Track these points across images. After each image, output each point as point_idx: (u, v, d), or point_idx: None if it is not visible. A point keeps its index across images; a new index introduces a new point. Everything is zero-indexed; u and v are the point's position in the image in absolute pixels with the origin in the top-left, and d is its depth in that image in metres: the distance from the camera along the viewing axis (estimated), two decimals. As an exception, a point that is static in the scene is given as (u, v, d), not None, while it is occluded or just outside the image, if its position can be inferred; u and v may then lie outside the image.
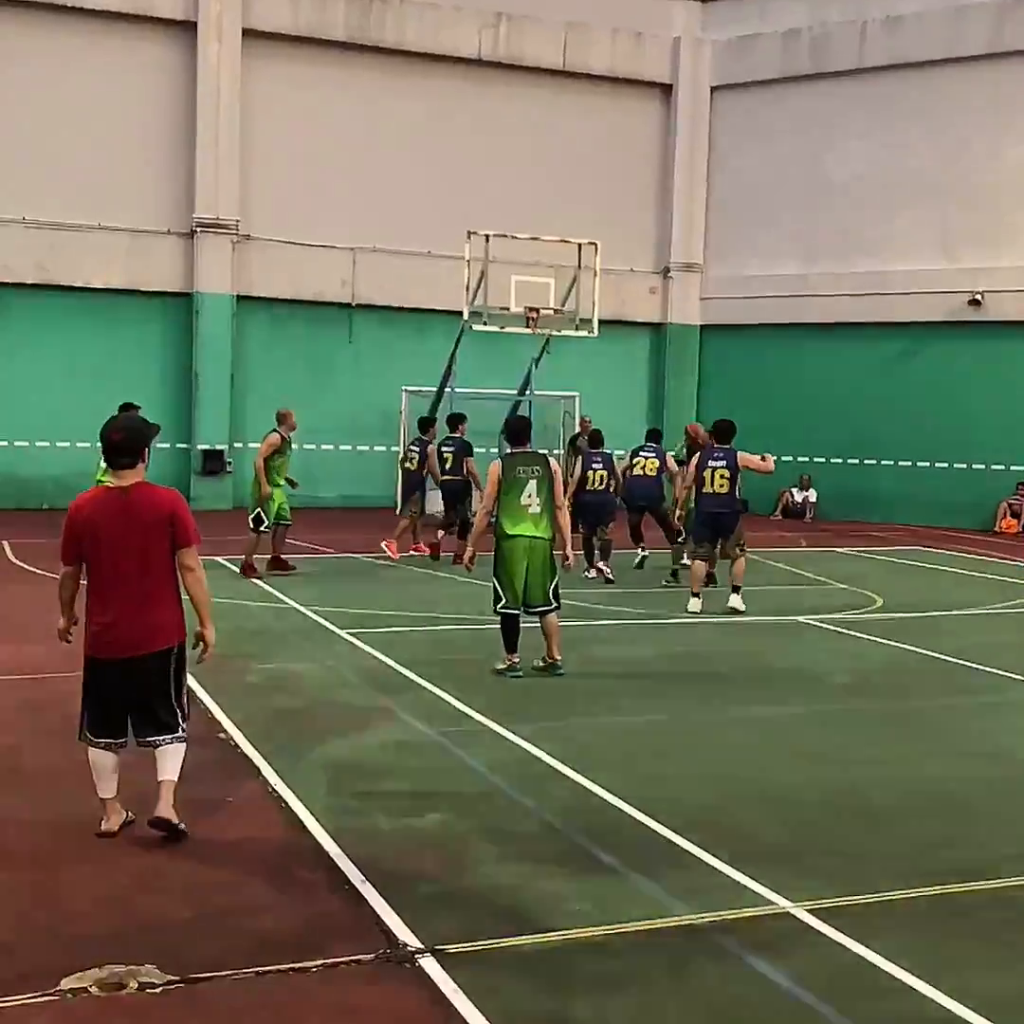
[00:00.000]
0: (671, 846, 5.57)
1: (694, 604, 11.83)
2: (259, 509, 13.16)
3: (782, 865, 5.35)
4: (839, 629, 11.29)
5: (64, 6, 20.12)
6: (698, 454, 12.38)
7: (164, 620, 5.41)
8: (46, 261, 20.32)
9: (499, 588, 8.86)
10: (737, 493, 11.97)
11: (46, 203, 20.20)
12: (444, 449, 15.49)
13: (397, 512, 20.42)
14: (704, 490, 11.96)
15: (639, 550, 14.99)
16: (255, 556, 13.33)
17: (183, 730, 5.51)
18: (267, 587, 12.66)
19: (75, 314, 20.73)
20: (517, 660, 8.92)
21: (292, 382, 21.50)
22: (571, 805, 6.10)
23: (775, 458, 12.84)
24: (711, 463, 11.95)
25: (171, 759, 5.47)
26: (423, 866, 5.24)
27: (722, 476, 11.83)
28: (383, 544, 15.48)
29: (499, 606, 8.90)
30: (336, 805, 5.97)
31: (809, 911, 4.86)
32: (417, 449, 15.68)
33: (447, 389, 19.64)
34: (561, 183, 22.84)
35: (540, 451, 9.32)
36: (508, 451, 9.20)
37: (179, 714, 5.50)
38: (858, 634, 11.06)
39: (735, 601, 11.87)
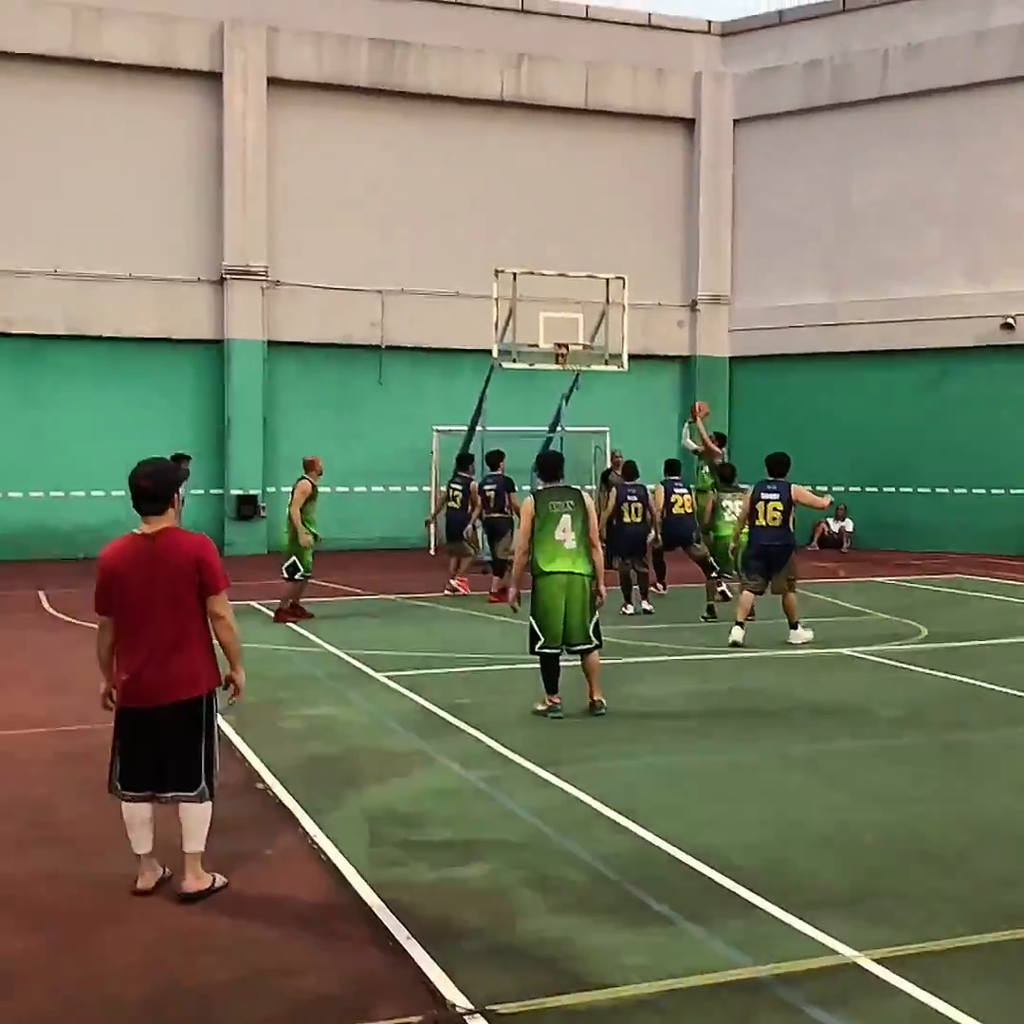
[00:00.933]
0: (727, 893, 5.35)
1: (737, 633, 11.63)
2: (293, 558, 13.05)
3: (844, 912, 5.12)
4: (885, 661, 11.03)
5: (90, 60, 20.38)
6: (751, 488, 12.21)
7: (192, 668, 5.28)
8: (76, 312, 20.47)
9: (536, 628, 8.66)
10: (791, 527, 11.84)
11: (75, 254, 20.37)
12: (486, 487, 15.53)
13: (435, 551, 20.37)
14: (757, 523, 11.86)
15: (659, 588, 14.95)
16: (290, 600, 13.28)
17: (207, 789, 5.31)
18: (301, 631, 12.54)
19: (107, 364, 20.85)
20: (558, 701, 8.73)
21: (324, 425, 21.53)
22: (620, 851, 5.89)
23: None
24: (764, 496, 11.86)
25: (194, 826, 5.30)
26: (470, 919, 5.05)
27: (775, 509, 11.74)
28: (454, 583, 15.46)
29: (537, 646, 8.70)
30: (377, 856, 5.79)
31: (876, 960, 4.63)
32: (460, 487, 15.70)
33: (478, 428, 19.56)
34: (587, 220, 22.84)
35: (573, 486, 9.16)
36: (541, 486, 9.05)
37: (205, 770, 5.30)
38: (905, 665, 10.80)
39: (795, 636, 11.76)
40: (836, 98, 23.14)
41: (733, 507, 13.49)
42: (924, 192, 22.20)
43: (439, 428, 21.30)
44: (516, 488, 15.73)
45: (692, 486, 15.56)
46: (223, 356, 21.38)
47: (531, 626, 8.71)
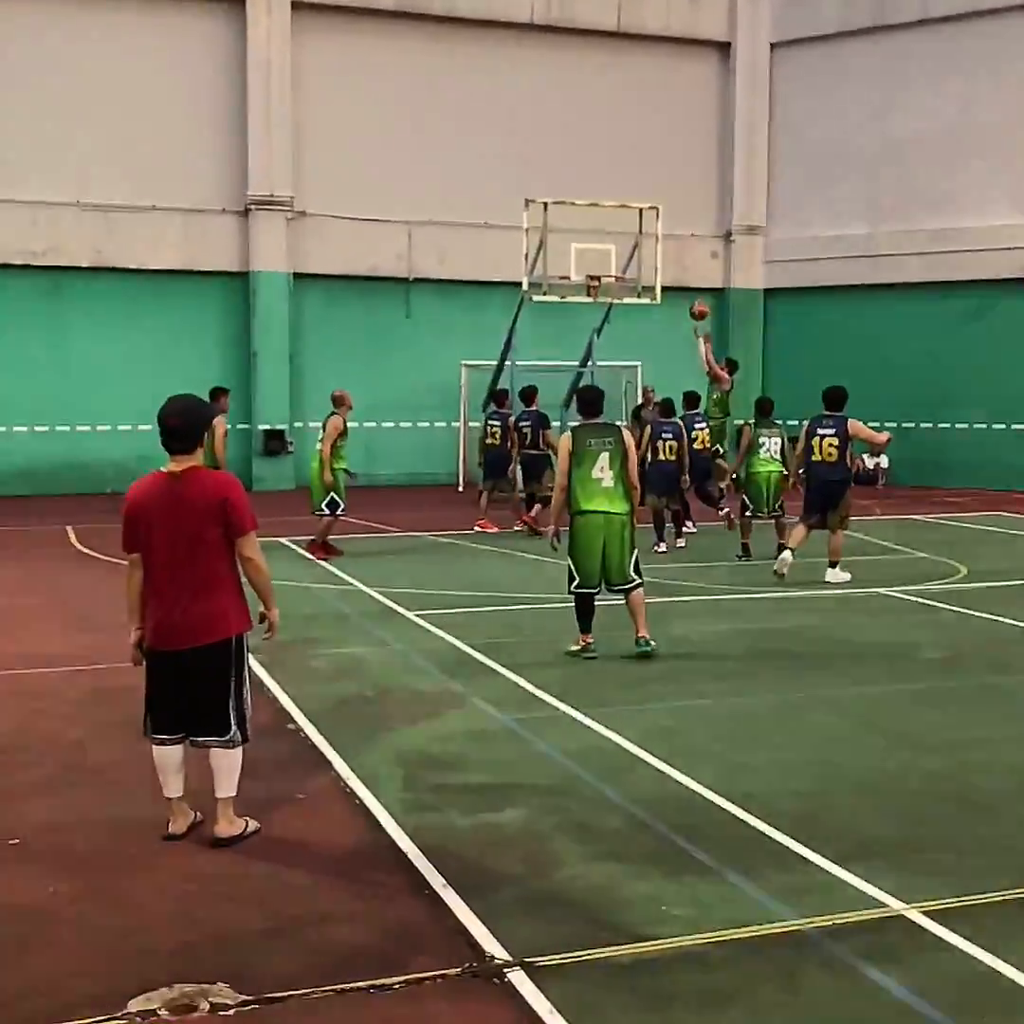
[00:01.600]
0: (768, 841, 5.22)
1: (786, 556, 11.53)
2: (332, 493, 12.92)
3: (890, 862, 4.98)
4: (924, 600, 10.83)
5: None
6: (807, 422, 11.96)
7: (219, 610, 5.13)
8: (101, 244, 20.23)
9: (573, 567, 8.52)
10: (848, 463, 11.66)
11: (100, 185, 20.10)
12: (521, 423, 15.42)
13: (462, 488, 20.26)
14: (813, 459, 11.68)
15: (692, 526, 14.78)
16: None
17: (237, 734, 5.19)
18: (331, 568, 12.44)
19: (132, 296, 20.64)
20: (591, 640, 8.59)
21: (350, 359, 21.30)
22: (658, 797, 5.77)
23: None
24: (820, 431, 11.65)
25: (225, 771, 5.20)
26: (506, 867, 4.94)
27: (831, 445, 11.53)
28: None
29: (573, 585, 8.55)
30: (411, 800, 5.69)
31: (925, 913, 4.50)
32: (498, 423, 15.58)
33: (507, 363, 19.28)
34: (619, 148, 22.31)
35: (613, 422, 8.92)
36: (579, 422, 8.85)
37: (235, 715, 5.17)
38: (945, 605, 10.59)
39: (832, 575, 11.59)
40: (877, 20, 22.40)
41: (769, 444, 13.22)
42: (968, 119, 21.53)
43: (467, 362, 21.02)
44: (551, 424, 15.59)
45: (709, 420, 15.39)
46: (248, 288, 21.13)
47: (568, 565, 8.56)
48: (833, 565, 11.67)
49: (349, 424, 13.53)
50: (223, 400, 13.46)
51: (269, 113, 20.82)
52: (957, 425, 22.25)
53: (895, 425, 22.56)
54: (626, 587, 8.54)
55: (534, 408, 15.51)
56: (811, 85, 23.23)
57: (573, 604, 8.68)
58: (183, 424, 5.12)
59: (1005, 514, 17.84)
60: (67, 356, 20.34)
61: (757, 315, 24.12)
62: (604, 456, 8.44)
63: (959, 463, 21.95)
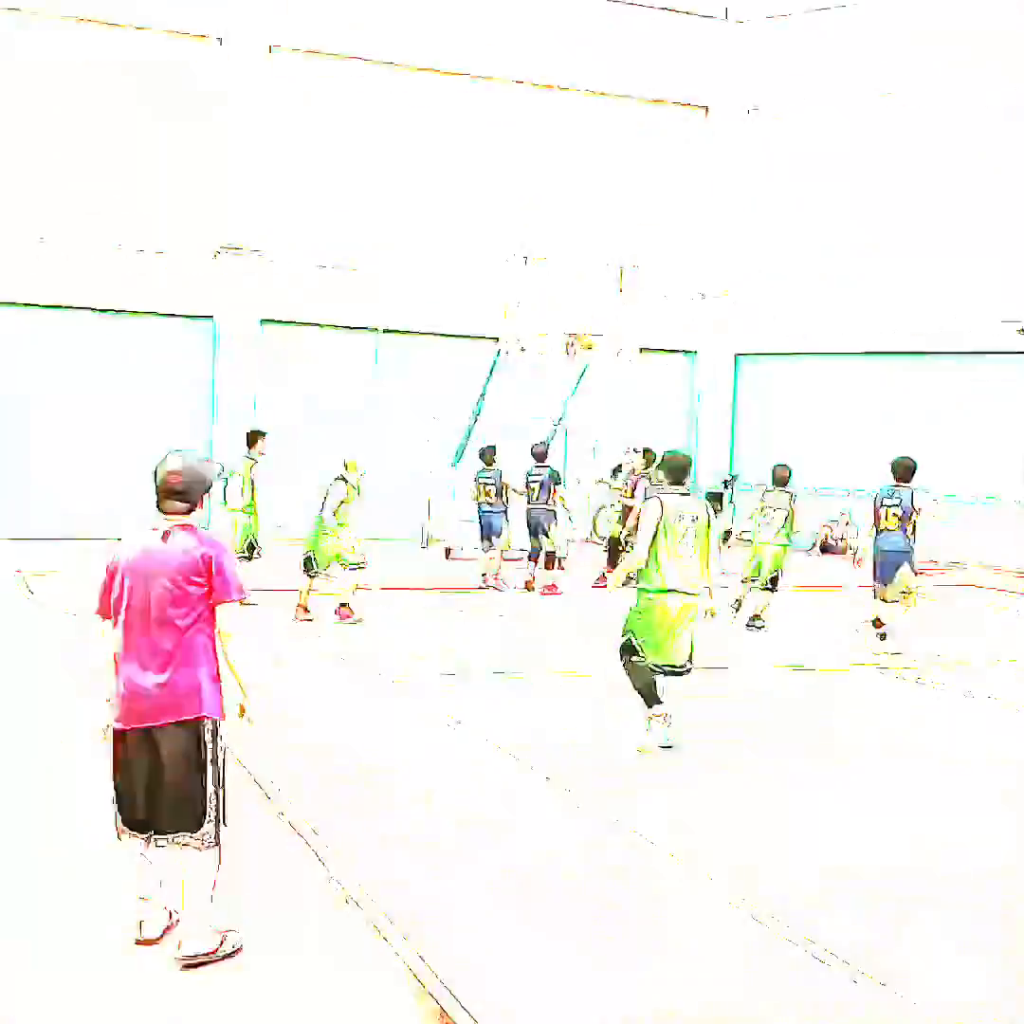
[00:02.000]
0: (805, 958, 4.73)
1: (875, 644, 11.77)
2: (309, 554, 12.35)
3: (944, 981, 4.54)
4: (922, 681, 10.44)
5: (86, 18, 19.51)
6: (877, 492, 11.83)
7: (193, 685, 4.59)
8: (66, 284, 19.60)
9: (638, 643, 7.79)
10: (908, 535, 11.56)
11: (66, 226, 19.52)
12: (531, 480, 15.32)
13: (425, 546, 19.78)
14: (879, 528, 11.72)
15: None
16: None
17: (211, 833, 4.60)
18: (312, 633, 11.75)
19: (92, 337, 19.99)
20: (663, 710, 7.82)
21: (317, 408, 20.76)
22: (678, 902, 5.27)
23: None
24: (886, 502, 11.68)
25: (198, 875, 4.60)
26: (532, 993, 4.41)
27: (893, 515, 11.59)
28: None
29: (633, 658, 7.82)
30: (409, 907, 5.13)
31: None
32: (491, 480, 15.40)
33: (479, 418, 18.90)
34: (597, 206, 22.14)
35: (700, 497, 8.27)
36: (665, 491, 8.05)
37: (207, 809, 4.59)
38: (948, 689, 10.20)
39: (878, 644, 11.64)
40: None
41: (773, 516, 12.96)
42: (945, 189, 21.64)
43: (438, 417, 20.57)
44: (561, 481, 15.53)
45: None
46: (214, 333, 20.60)
47: (631, 639, 7.83)
48: (882, 637, 11.73)
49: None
50: (260, 443, 12.60)
51: (243, 157, 20.43)
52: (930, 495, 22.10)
53: (865, 492, 22.44)
54: (681, 672, 7.92)
55: (546, 464, 15.44)
56: (791, 149, 23.30)
57: (635, 681, 7.87)
58: (184, 484, 4.65)
59: (981, 588, 17.66)
60: (28, 396, 19.58)
61: (728, 378, 23.98)
62: (690, 533, 7.81)
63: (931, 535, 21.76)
